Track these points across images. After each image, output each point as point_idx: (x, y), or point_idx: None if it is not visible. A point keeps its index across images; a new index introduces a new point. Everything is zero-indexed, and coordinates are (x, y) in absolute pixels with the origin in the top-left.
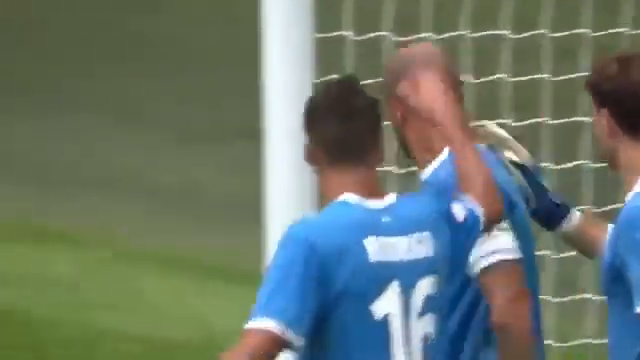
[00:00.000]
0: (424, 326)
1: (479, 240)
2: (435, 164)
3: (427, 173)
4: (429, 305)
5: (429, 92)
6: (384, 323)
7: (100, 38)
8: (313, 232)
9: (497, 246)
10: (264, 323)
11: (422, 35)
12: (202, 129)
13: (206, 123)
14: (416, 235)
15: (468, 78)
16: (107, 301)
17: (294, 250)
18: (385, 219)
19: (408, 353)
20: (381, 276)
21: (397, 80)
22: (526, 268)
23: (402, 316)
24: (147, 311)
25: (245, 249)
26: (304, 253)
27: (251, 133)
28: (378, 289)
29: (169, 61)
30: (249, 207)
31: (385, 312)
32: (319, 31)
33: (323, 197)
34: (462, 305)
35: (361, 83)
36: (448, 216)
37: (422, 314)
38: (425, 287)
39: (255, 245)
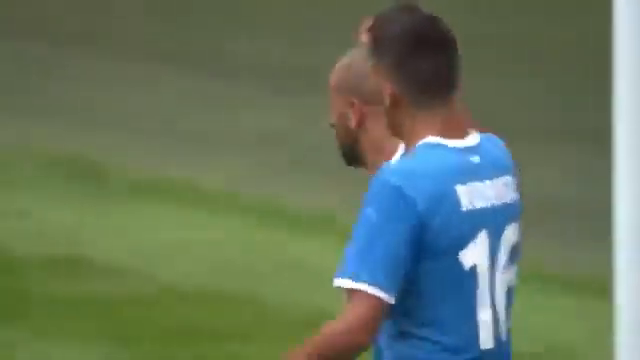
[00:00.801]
0: (507, 277)
1: None
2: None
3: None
4: (513, 255)
5: None
6: (472, 274)
7: None
8: (407, 181)
9: None
10: (367, 288)
11: None
12: (548, 129)
13: (557, 124)
14: (502, 178)
15: None
16: None
17: (389, 203)
18: (474, 160)
19: (493, 305)
20: (472, 225)
21: (363, 81)
22: None
23: (489, 266)
24: None
25: (592, 261)
26: (399, 205)
27: (596, 135)
28: (468, 238)
29: (519, 62)
30: (595, 217)
31: (473, 262)
32: None
33: (399, 137)
34: None
35: None
36: None
37: (507, 265)
38: (510, 235)
39: (603, 257)
